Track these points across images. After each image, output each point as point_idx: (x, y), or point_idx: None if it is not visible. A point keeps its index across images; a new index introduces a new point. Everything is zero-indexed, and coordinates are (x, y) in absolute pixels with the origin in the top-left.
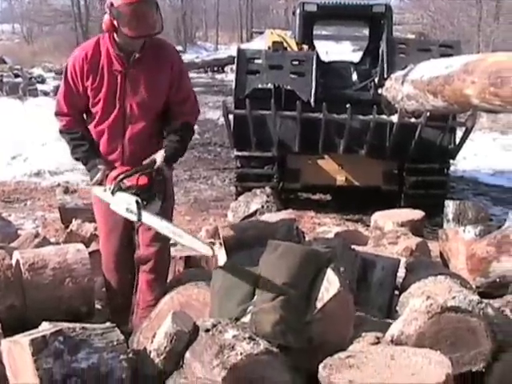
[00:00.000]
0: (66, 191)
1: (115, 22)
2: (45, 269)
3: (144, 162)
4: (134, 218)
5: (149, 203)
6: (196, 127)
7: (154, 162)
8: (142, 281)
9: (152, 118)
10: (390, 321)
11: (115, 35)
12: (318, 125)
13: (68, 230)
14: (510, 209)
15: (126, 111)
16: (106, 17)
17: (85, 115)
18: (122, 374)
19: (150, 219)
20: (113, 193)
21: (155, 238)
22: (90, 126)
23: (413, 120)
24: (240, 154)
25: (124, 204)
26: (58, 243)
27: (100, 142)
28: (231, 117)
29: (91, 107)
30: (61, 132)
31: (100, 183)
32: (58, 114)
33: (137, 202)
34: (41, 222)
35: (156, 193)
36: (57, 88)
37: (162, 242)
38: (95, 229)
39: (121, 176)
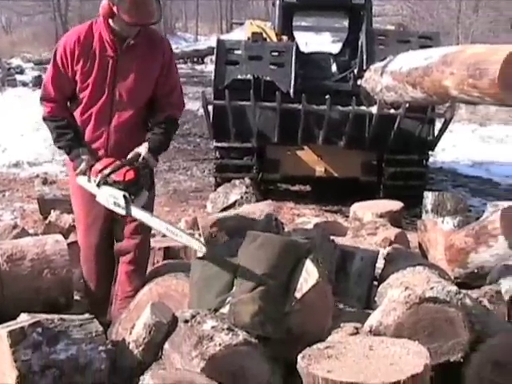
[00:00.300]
0: (45, 182)
1: (114, 8)
2: (23, 260)
3: (129, 156)
4: (122, 212)
5: (136, 197)
6: None
7: (139, 154)
8: (121, 272)
9: (139, 107)
10: (369, 311)
11: (111, 21)
12: (298, 116)
13: (47, 221)
14: (489, 200)
15: (114, 98)
16: (104, 1)
17: (68, 103)
18: (100, 365)
19: (139, 214)
20: (98, 186)
21: (136, 230)
22: (76, 112)
23: (392, 111)
24: (219, 144)
25: (111, 198)
26: (36, 234)
27: (85, 128)
28: (210, 107)
29: (79, 92)
30: (44, 119)
31: (84, 173)
32: (43, 99)
33: (124, 196)
34: (19, 213)
35: (142, 185)
36: (36, 78)
37: (143, 234)
38: (74, 220)
39: (107, 171)
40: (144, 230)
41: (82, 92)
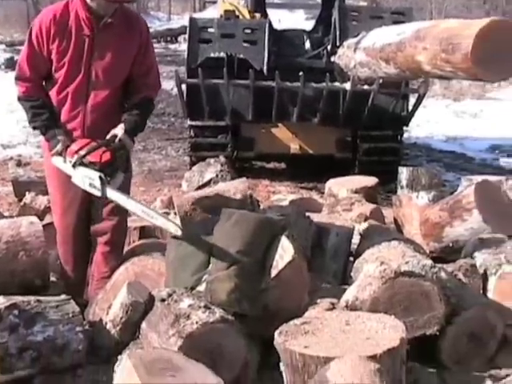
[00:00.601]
0: (19, 164)
1: None
2: None
3: (106, 138)
4: (98, 193)
5: (112, 178)
6: None
7: (115, 136)
8: (98, 253)
9: (116, 87)
10: (345, 287)
11: None
12: (271, 93)
13: (21, 204)
14: (463, 175)
15: (90, 77)
16: None
17: (44, 82)
18: (78, 346)
19: (115, 195)
20: (74, 167)
21: (113, 211)
22: (52, 92)
23: (365, 87)
24: (193, 123)
25: (87, 179)
26: (11, 217)
27: (61, 108)
28: (184, 86)
29: (54, 72)
30: (19, 99)
31: (60, 154)
32: (18, 78)
33: (100, 178)
34: None
35: (118, 167)
36: (8, 60)
37: (120, 216)
38: (49, 202)
39: (83, 152)
40: (121, 212)
41: (58, 71)
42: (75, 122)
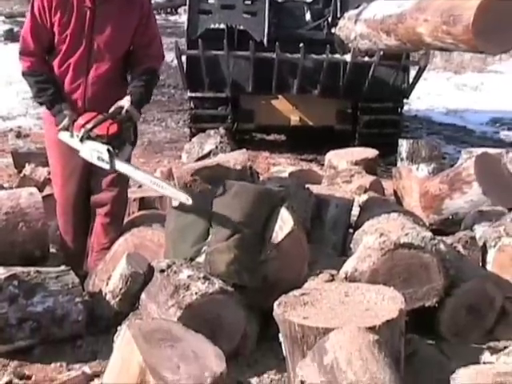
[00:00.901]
0: (19, 136)
1: None
2: None
3: (111, 109)
4: (106, 166)
5: (120, 150)
6: None
7: (121, 108)
8: (98, 224)
9: (117, 59)
10: (344, 258)
11: None
12: (271, 65)
13: (21, 175)
14: (463, 147)
15: (92, 49)
16: None
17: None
18: (77, 317)
19: (124, 167)
20: (81, 141)
21: (113, 182)
22: (54, 64)
23: (366, 59)
24: (193, 95)
25: (95, 152)
26: (11, 188)
27: (63, 80)
28: (184, 58)
29: (57, 44)
30: (24, 74)
31: (66, 129)
32: (22, 53)
33: (108, 150)
34: None
35: (125, 139)
36: (7, 32)
37: (120, 187)
38: (49, 173)
39: (90, 125)
40: (121, 183)
41: (60, 44)
42: (77, 94)
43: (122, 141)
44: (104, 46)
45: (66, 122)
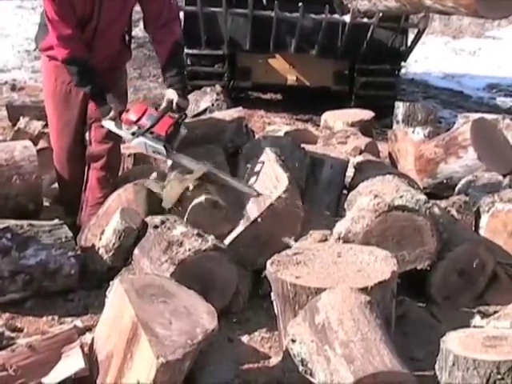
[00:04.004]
0: (13, 89)
1: None
2: None
3: (162, 106)
4: (162, 158)
5: (175, 142)
6: None
7: (171, 101)
8: (92, 178)
9: (121, 28)
10: (338, 219)
11: None
12: (270, 23)
13: (15, 128)
14: (459, 112)
15: (99, 23)
16: None
17: None
18: (70, 271)
19: (181, 159)
20: (133, 135)
21: (108, 135)
22: None
23: (365, 20)
24: (190, 51)
25: (150, 148)
26: (5, 141)
27: None
28: (182, 14)
29: None
30: (64, 62)
31: (113, 120)
32: (59, 39)
33: (165, 147)
34: None
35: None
36: None
37: (115, 140)
38: (43, 126)
39: (147, 125)
40: (114, 136)
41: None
42: None
43: (177, 134)
44: (109, 21)
45: (112, 114)
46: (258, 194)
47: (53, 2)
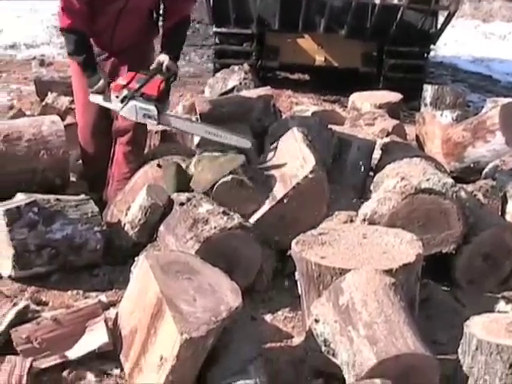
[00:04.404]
0: (42, 64)
1: None
2: (19, 140)
3: (152, 67)
4: (153, 122)
5: (165, 105)
6: None
7: (161, 64)
8: (119, 152)
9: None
10: (364, 201)
11: None
12: (299, 2)
13: (43, 103)
14: (488, 96)
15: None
16: None
17: None
18: (95, 246)
19: (173, 121)
20: (123, 101)
21: None
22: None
23: (395, 1)
24: (219, 30)
25: (141, 111)
26: (33, 116)
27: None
28: None
29: None
30: (63, 30)
31: (101, 92)
32: (65, 9)
33: (156, 107)
34: (16, 94)
35: (168, 92)
36: None
37: None
38: (70, 102)
39: (136, 85)
40: None
41: None
42: (105, 34)
43: (167, 96)
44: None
45: (101, 83)
46: (252, 145)
47: None
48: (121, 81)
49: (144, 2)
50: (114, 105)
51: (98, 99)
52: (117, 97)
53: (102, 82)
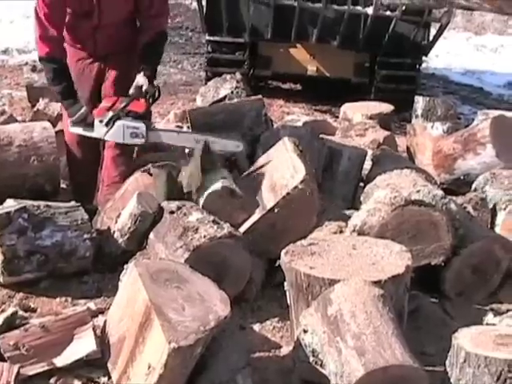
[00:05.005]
0: (34, 70)
1: None
2: (10, 146)
3: (131, 91)
4: (141, 141)
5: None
6: None
7: (141, 87)
8: (108, 157)
9: (123, 17)
10: (353, 211)
11: None
12: (292, 12)
13: (35, 109)
14: (479, 108)
15: (100, 14)
16: None
17: None
18: (85, 253)
19: (160, 135)
20: (108, 124)
21: None
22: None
23: (388, 13)
24: (211, 38)
25: (129, 130)
26: (24, 122)
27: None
28: (204, 0)
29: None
30: (41, 59)
31: (81, 121)
32: (41, 38)
33: (145, 123)
34: (7, 100)
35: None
36: None
37: None
38: (62, 109)
39: (121, 105)
40: None
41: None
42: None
43: (149, 116)
44: (110, 11)
45: (83, 111)
46: (243, 148)
47: (43, 2)
48: (104, 103)
49: (117, 17)
50: (97, 131)
51: (78, 130)
52: (101, 121)
53: (83, 110)
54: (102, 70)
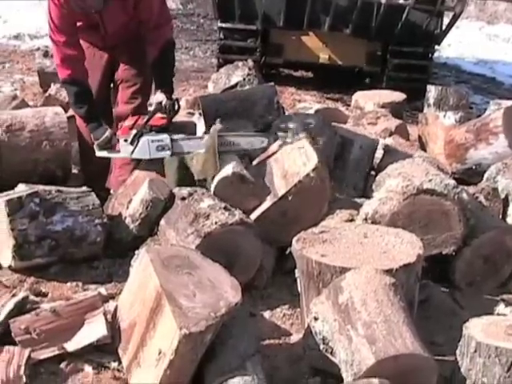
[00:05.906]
0: (46, 55)
1: None
2: (22, 131)
3: (152, 107)
4: (167, 153)
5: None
6: None
7: (161, 102)
8: None
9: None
10: (365, 200)
11: None
12: (304, 0)
13: (46, 94)
14: (491, 98)
15: (105, 28)
16: None
17: None
18: (96, 238)
19: (187, 145)
20: (133, 141)
21: (134, 95)
22: None
23: (401, 1)
24: (223, 25)
25: (154, 144)
26: (36, 107)
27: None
28: None
29: None
30: (64, 82)
31: (107, 143)
32: (63, 60)
33: (169, 135)
34: (19, 85)
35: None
36: None
37: (141, 99)
38: None
39: (142, 121)
40: (141, 95)
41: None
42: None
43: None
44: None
45: (108, 134)
46: (269, 141)
47: (55, 27)
48: (126, 123)
49: (121, 25)
50: (124, 151)
51: (103, 153)
52: (125, 140)
53: (107, 133)
54: (112, 56)
